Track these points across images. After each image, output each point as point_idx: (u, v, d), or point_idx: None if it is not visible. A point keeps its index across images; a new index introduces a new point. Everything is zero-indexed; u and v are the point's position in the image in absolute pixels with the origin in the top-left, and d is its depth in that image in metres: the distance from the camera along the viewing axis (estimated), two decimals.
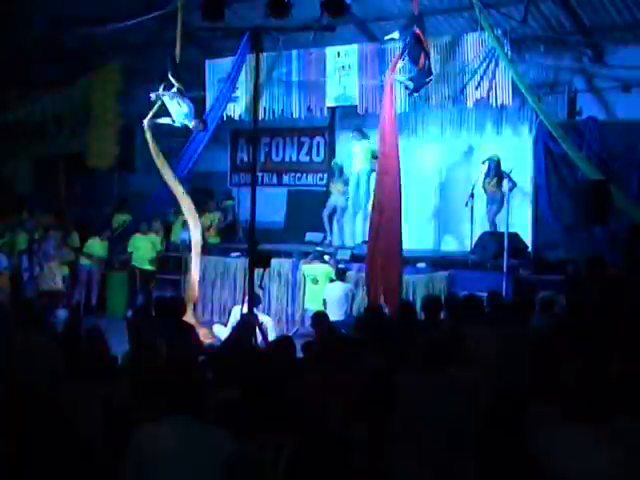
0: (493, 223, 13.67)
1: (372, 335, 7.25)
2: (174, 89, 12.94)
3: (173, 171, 13.94)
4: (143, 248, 15.10)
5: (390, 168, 11.94)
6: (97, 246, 15.35)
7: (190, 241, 14.16)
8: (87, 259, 15.21)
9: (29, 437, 4.40)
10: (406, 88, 12.61)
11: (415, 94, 12.66)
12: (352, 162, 14.90)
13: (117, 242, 15.67)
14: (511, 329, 7.33)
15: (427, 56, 12.24)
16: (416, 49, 12.17)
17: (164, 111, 13.39)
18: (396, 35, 12.80)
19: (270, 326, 11.42)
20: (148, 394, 5.30)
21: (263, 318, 11.22)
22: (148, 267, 15.08)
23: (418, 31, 12.14)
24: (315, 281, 13.08)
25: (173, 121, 13.29)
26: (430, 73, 12.32)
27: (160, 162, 13.79)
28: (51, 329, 8.34)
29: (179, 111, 13.09)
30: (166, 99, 13.08)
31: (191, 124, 13.24)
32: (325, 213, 15.22)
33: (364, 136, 14.79)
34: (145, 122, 13.66)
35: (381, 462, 4.81)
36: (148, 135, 13.73)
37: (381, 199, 12.04)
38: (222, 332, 11.80)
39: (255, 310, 10.65)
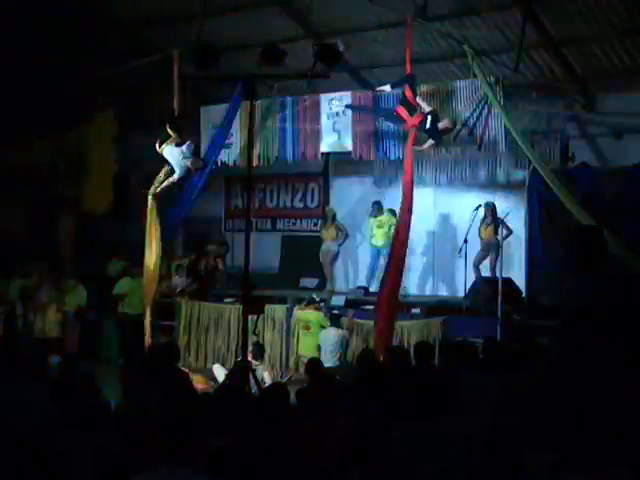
0: (492, 270, 13.72)
1: (366, 382, 7.20)
2: (171, 141, 12.97)
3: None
4: (133, 293, 14.65)
5: (406, 222, 12.08)
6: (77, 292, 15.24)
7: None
8: (68, 306, 14.97)
9: None
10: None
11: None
12: (372, 237, 15.26)
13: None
14: (506, 375, 7.31)
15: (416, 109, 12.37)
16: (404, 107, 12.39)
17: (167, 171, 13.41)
18: (387, 88, 12.98)
19: (265, 373, 11.39)
20: (141, 443, 5.25)
21: (257, 365, 11.18)
22: (139, 312, 14.25)
23: (408, 91, 12.30)
24: (307, 327, 13.07)
25: (174, 173, 13.26)
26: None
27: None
28: (44, 376, 8.27)
29: (179, 158, 13.09)
30: (166, 151, 13.07)
31: (189, 162, 13.19)
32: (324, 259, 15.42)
33: (380, 211, 15.21)
34: (151, 191, 13.39)
35: None
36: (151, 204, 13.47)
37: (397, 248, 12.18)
38: (221, 371, 11.82)
39: (250, 358, 10.61)
